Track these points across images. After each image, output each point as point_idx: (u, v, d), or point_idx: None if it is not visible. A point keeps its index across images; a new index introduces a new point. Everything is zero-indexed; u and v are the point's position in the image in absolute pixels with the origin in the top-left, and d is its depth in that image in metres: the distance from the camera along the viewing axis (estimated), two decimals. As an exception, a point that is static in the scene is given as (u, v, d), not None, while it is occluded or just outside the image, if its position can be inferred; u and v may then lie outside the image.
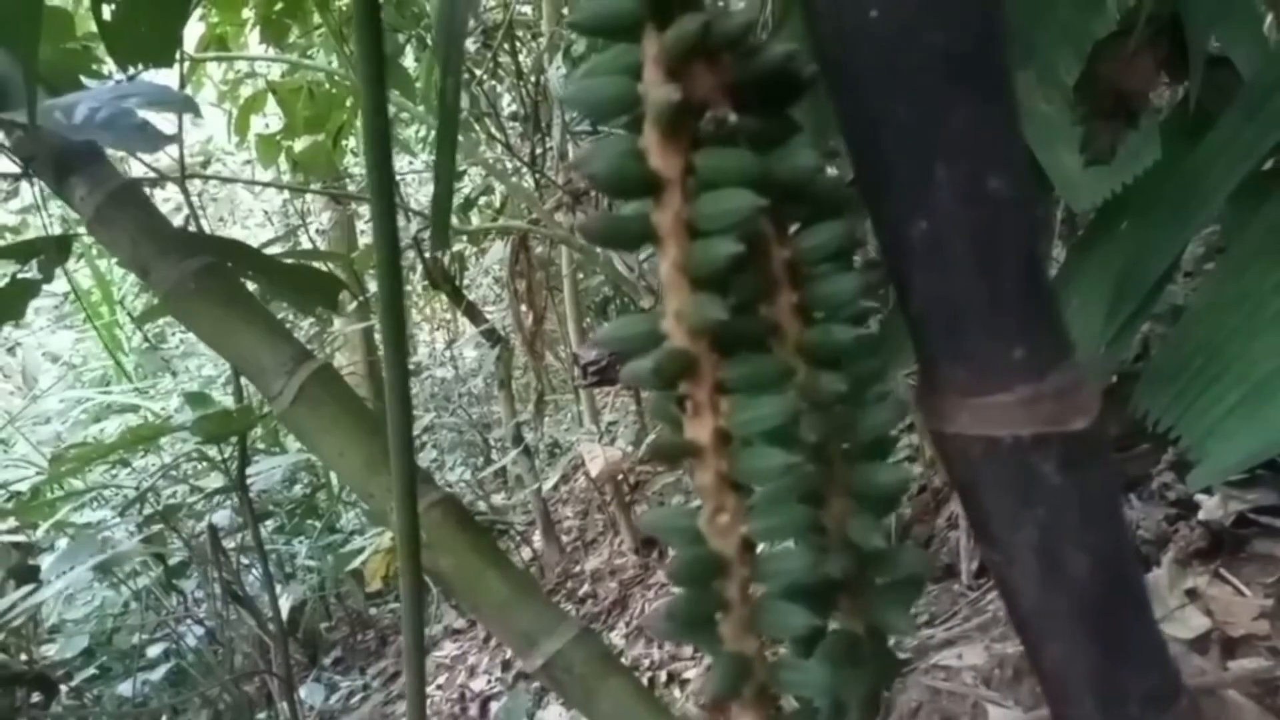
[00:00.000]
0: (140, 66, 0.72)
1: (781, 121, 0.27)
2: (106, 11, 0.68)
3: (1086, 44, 0.59)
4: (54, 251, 0.68)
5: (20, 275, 0.70)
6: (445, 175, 0.37)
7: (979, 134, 0.25)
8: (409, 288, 3.02)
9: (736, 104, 0.26)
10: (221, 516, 1.51)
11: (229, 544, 1.66)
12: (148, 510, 1.45)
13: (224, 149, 3.14)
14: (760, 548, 0.26)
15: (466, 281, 2.99)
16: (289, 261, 0.71)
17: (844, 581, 0.28)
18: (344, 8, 2.22)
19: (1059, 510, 0.27)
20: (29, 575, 1.30)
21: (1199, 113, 0.64)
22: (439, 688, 2.39)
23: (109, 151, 0.65)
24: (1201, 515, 1.27)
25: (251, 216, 3.78)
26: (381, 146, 0.38)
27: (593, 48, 2.28)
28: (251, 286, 0.71)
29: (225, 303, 0.62)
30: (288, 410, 0.61)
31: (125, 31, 0.68)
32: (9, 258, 0.66)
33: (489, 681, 2.35)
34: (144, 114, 0.61)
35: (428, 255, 2.24)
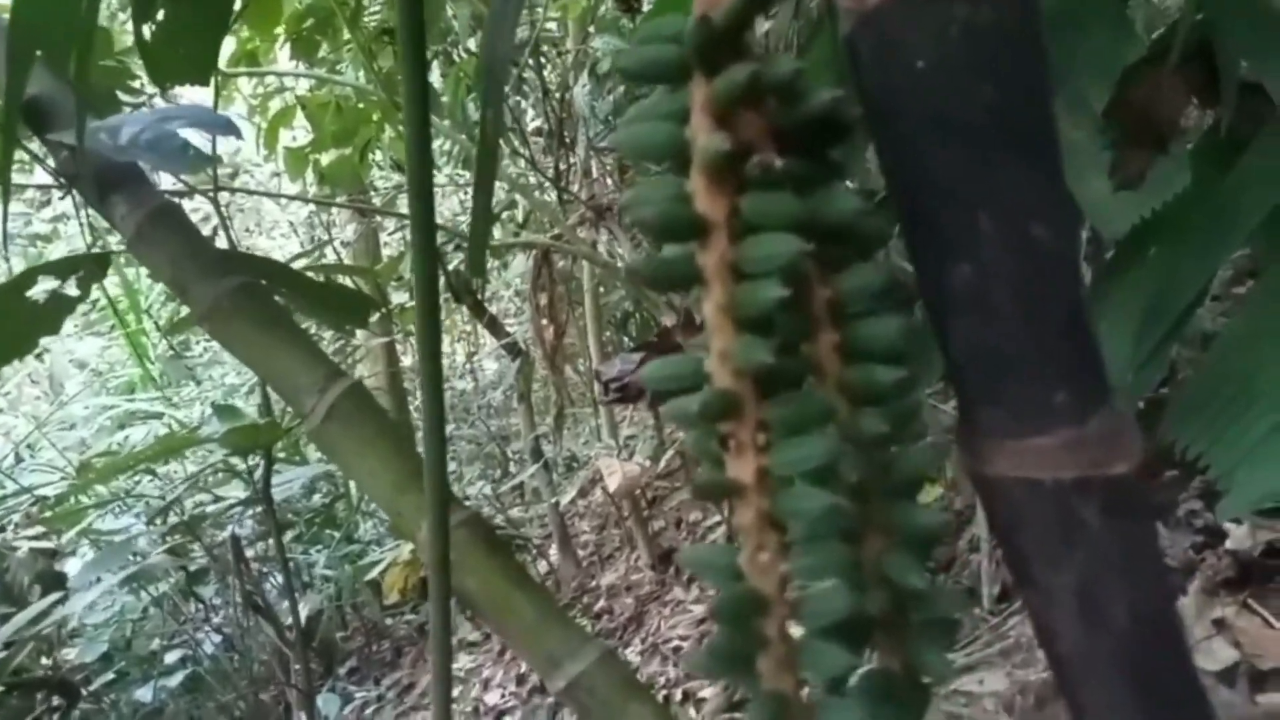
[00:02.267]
0: (174, 84, 0.73)
1: (823, 164, 0.27)
2: (146, 32, 0.70)
3: (1117, 70, 0.59)
4: (93, 268, 0.69)
5: (59, 291, 0.71)
6: (483, 206, 0.37)
7: (1023, 183, 0.25)
8: (430, 300, 3.04)
9: (780, 147, 0.26)
10: (243, 527, 1.53)
11: (249, 553, 1.68)
12: (172, 519, 1.47)
13: (252, 161, 3.19)
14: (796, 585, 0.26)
15: (488, 295, 3.01)
16: (321, 280, 0.73)
17: (880, 619, 0.29)
18: (373, 25, 2.26)
19: (1099, 554, 0.27)
20: (56, 582, 1.32)
21: (1230, 139, 0.64)
22: (452, 701, 2.38)
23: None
24: (1229, 544, 1.25)
25: (277, 228, 3.83)
26: (423, 170, 0.38)
27: (618, 66, 2.30)
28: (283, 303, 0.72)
29: (260, 322, 0.63)
30: (319, 428, 0.62)
31: (164, 52, 0.69)
32: (50, 274, 0.67)
33: (503, 695, 2.35)
34: (185, 133, 0.62)
35: (449, 268, 2.26)
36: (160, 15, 0.68)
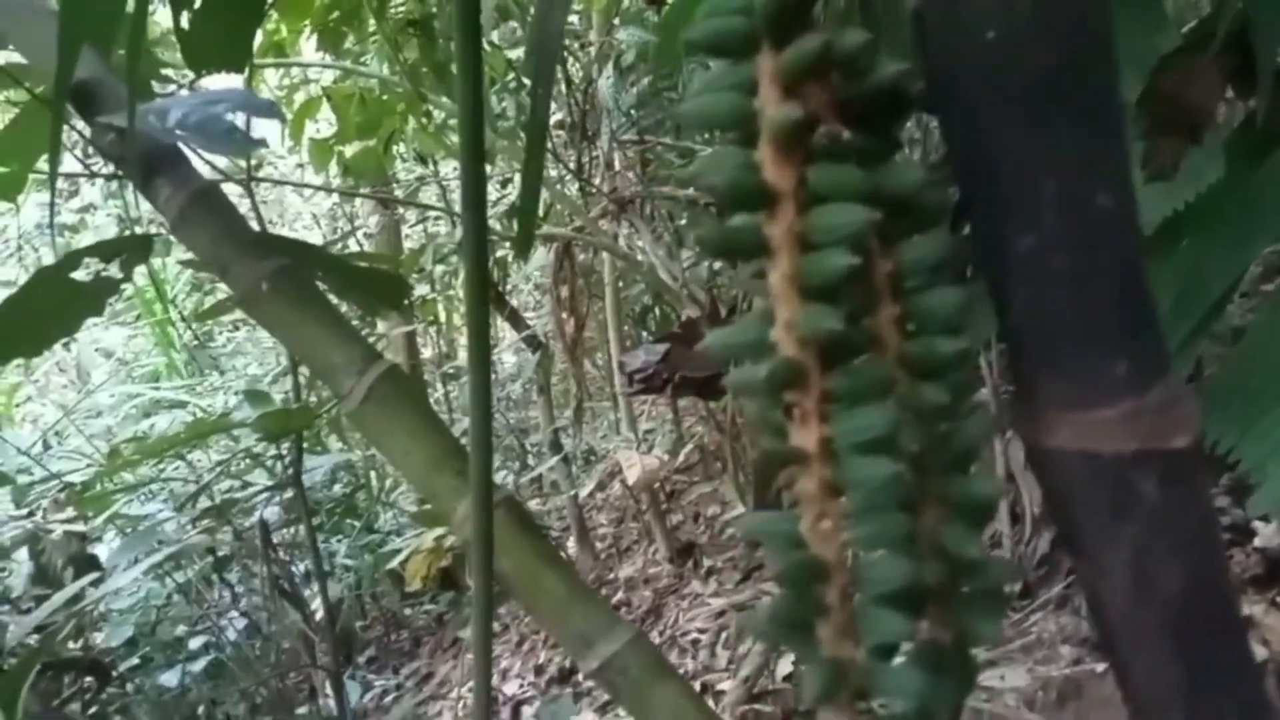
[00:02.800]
0: (209, 72, 0.74)
1: (886, 137, 0.28)
2: (184, 20, 0.71)
3: (1150, 59, 0.59)
4: (136, 250, 0.70)
5: (103, 273, 0.72)
6: (532, 186, 0.38)
7: (1087, 151, 0.25)
8: (451, 292, 3.06)
9: (845, 119, 0.26)
10: (270, 513, 1.54)
11: (275, 539, 1.69)
12: (202, 504, 1.49)
13: (275, 153, 3.22)
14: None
15: (509, 287, 3.02)
16: (359, 264, 0.73)
17: (934, 589, 0.29)
18: (398, 16, 2.27)
19: (1155, 527, 0.27)
20: (89, 564, 1.34)
21: (1265, 131, 0.63)
22: (470, 689, 2.40)
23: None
24: (1258, 541, 1.25)
25: (300, 219, 3.86)
26: (476, 152, 0.39)
27: (642, 58, 2.30)
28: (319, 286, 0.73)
29: (299, 303, 0.64)
30: (357, 409, 0.63)
31: (201, 38, 0.70)
32: (95, 256, 0.68)
33: (521, 685, 2.36)
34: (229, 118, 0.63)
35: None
36: (197, 2, 0.69)
